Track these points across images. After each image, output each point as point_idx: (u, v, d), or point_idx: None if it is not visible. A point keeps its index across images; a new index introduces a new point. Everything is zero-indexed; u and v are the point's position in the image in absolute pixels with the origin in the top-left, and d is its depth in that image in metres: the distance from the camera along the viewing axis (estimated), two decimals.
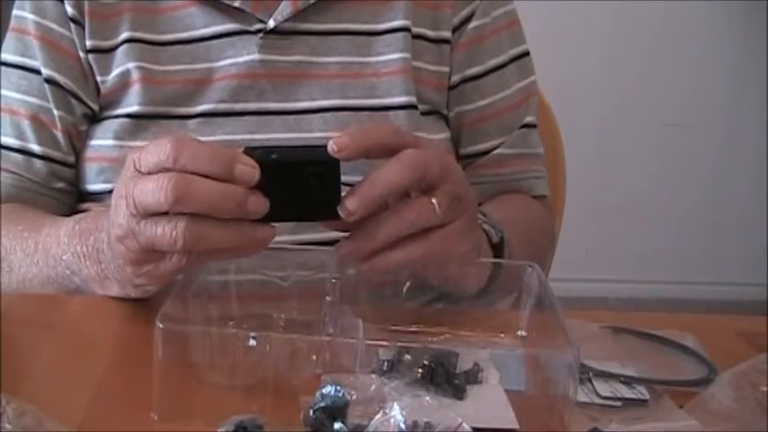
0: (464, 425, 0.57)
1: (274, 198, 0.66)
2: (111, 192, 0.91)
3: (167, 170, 0.66)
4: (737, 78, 2.90)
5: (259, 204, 0.66)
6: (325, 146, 0.68)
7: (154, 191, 0.65)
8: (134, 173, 0.68)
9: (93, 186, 0.95)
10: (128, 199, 0.67)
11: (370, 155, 0.71)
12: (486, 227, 0.84)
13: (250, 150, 0.68)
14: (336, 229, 0.72)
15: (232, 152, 0.67)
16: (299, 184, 0.67)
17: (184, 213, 0.66)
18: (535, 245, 0.99)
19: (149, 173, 0.67)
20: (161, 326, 0.61)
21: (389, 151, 0.71)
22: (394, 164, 0.70)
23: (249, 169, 0.66)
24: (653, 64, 2.84)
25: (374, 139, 0.71)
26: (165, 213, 0.66)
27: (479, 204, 0.85)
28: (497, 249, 0.85)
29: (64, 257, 0.80)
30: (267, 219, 0.67)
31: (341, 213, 0.68)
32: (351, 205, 0.68)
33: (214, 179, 0.65)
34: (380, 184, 0.69)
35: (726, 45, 2.86)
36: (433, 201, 0.71)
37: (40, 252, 0.83)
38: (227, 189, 0.65)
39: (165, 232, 0.66)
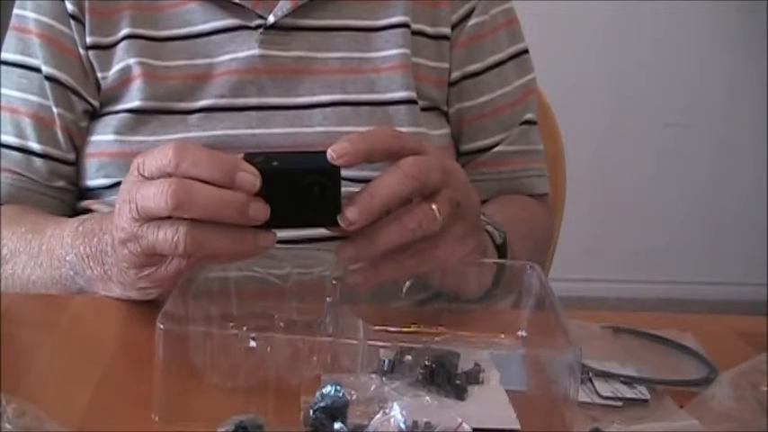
0: (464, 425, 0.57)
1: (275, 205, 0.67)
2: (111, 187, 0.93)
3: (169, 175, 0.66)
4: (737, 79, 2.89)
5: (260, 211, 0.66)
6: (326, 152, 0.68)
7: (155, 195, 0.66)
8: (137, 177, 0.69)
9: (94, 182, 0.95)
10: (131, 203, 0.68)
11: (371, 159, 0.71)
12: (489, 228, 0.84)
13: (251, 157, 0.68)
14: (338, 234, 0.72)
15: (233, 159, 0.67)
16: (299, 191, 0.67)
17: (186, 218, 0.66)
18: (536, 246, 0.99)
19: (152, 177, 0.67)
20: (162, 327, 0.61)
21: (390, 155, 0.71)
22: (394, 173, 0.69)
23: (250, 177, 0.66)
24: (653, 64, 2.84)
25: (374, 144, 0.70)
26: (168, 218, 0.66)
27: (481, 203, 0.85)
28: (500, 250, 0.85)
29: (67, 258, 0.80)
30: (267, 225, 0.67)
31: (341, 223, 0.68)
32: (351, 215, 0.68)
33: (215, 185, 0.65)
34: (381, 194, 0.69)
35: (726, 45, 2.86)
36: (434, 207, 0.71)
37: (44, 254, 0.83)
38: (228, 196, 0.65)
39: (166, 237, 0.67)
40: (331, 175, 0.68)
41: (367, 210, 0.68)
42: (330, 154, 0.68)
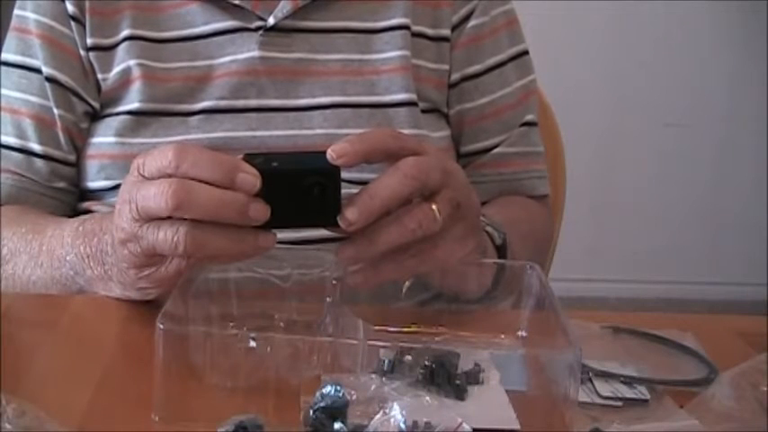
0: (464, 425, 0.57)
1: (275, 206, 0.67)
2: (111, 189, 0.93)
3: (170, 176, 0.66)
4: (737, 79, 2.89)
5: (260, 212, 0.66)
6: (326, 152, 0.68)
7: (155, 196, 0.66)
8: (138, 177, 0.69)
9: (94, 184, 0.95)
10: (131, 203, 0.68)
11: (371, 160, 0.71)
12: (489, 229, 0.84)
13: (250, 157, 0.68)
14: (338, 235, 0.72)
15: (234, 160, 0.67)
16: (299, 192, 0.67)
17: (186, 219, 0.66)
18: (536, 246, 0.99)
19: (152, 178, 0.67)
20: (162, 327, 0.61)
21: (390, 156, 0.71)
22: (394, 174, 0.69)
23: (251, 178, 0.66)
24: (653, 64, 2.84)
25: (374, 144, 0.71)
26: (168, 218, 0.66)
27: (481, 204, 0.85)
28: (500, 251, 0.85)
29: (68, 258, 0.80)
30: (268, 225, 0.67)
31: (341, 223, 0.68)
32: (350, 216, 0.68)
33: (216, 186, 0.65)
34: (380, 195, 0.69)
35: (726, 45, 2.86)
36: (434, 207, 0.71)
37: (45, 254, 0.83)
38: (228, 196, 0.65)
39: (166, 237, 0.67)
40: (331, 175, 0.68)
41: (367, 210, 0.68)
42: (330, 154, 0.68)
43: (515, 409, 0.63)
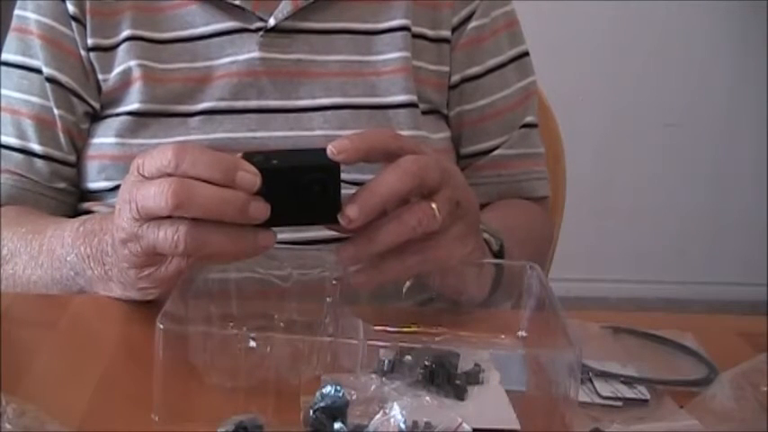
0: (464, 425, 0.57)
1: (275, 203, 0.67)
2: (112, 190, 0.93)
3: (169, 175, 0.66)
4: (737, 79, 2.89)
5: (260, 210, 0.66)
6: (325, 149, 0.68)
7: (155, 195, 0.66)
8: (137, 177, 0.69)
9: (95, 185, 0.95)
10: (131, 203, 0.68)
11: (370, 158, 0.71)
12: (485, 236, 0.84)
13: (250, 156, 0.68)
14: (338, 233, 0.72)
15: (233, 159, 0.67)
16: (299, 189, 0.67)
17: (186, 218, 0.66)
18: (535, 250, 0.99)
19: (152, 178, 0.67)
20: (162, 326, 0.61)
21: (389, 155, 0.71)
22: (393, 171, 0.70)
23: (250, 176, 0.66)
24: (653, 64, 2.84)
25: (373, 143, 0.71)
26: (168, 217, 0.66)
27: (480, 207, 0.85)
28: (498, 258, 0.85)
29: (68, 258, 0.80)
30: (268, 224, 0.67)
31: (341, 221, 0.68)
32: (351, 213, 0.68)
33: (216, 185, 0.65)
34: (380, 192, 0.69)
35: (726, 45, 2.86)
36: (434, 206, 0.71)
37: (45, 254, 0.83)
38: (228, 195, 0.65)
39: (166, 236, 0.67)
40: (331, 171, 0.68)
41: (367, 206, 0.68)
42: (330, 149, 0.68)
43: (515, 409, 0.63)
